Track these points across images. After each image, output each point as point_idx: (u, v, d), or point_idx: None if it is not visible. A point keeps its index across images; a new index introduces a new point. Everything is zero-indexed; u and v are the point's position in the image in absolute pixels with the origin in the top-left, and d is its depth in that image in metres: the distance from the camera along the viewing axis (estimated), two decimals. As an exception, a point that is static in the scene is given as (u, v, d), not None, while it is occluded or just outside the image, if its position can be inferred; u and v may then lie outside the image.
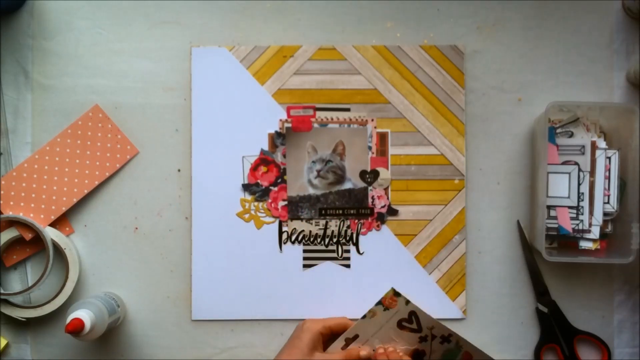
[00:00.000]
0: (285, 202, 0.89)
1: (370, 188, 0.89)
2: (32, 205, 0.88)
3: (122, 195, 0.89)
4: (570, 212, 0.86)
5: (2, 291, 0.87)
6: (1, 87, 0.89)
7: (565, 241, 0.87)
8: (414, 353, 0.83)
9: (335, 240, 0.89)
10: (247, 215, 0.89)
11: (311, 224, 0.89)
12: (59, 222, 0.89)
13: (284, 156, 0.89)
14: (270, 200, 0.89)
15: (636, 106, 0.84)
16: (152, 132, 0.90)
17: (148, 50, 0.90)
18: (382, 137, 0.89)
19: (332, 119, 0.89)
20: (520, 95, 0.90)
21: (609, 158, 0.85)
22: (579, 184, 0.85)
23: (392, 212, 0.89)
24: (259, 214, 0.89)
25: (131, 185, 0.89)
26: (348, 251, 0.89)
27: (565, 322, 0.88)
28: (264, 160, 0.89)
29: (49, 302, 0.87)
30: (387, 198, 0.89)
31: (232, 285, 0.89)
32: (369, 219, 0.89)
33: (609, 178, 0.86)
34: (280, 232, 0.89)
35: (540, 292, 0.88)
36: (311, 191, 0.89)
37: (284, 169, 0.89)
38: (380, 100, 0.89)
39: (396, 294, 0.80)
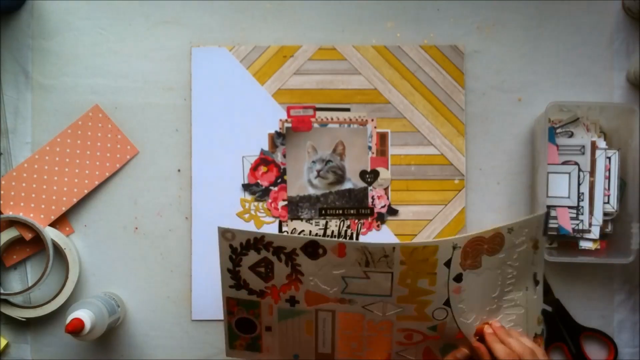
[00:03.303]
0: (285, 202, 0.89)
1: (370, 188, 0.89)
2: (32, 205, 0.88)
3: (122, 195, 0.89)
4: (570, 212, 0.86)
5: (2, 291, 0.87)
6: (1, 87, 0.89)
7: (565, 241, 0.87)
8: None
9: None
10: (247, 215, 0.89)
11: (311, 224, 0.89)
12: (59, 222, 0.89)
13: (284, 156, 0.89)
14: (270, 200, 0.89)
15: (636, 106, 0.84)
16: (152, 132, 0.90)
17: (148, 50, 0.90)
18: (382, 137, 0.89)
19: (332, 119, 0.89)
20: (520, 95, 0.90)
21: (609, 158, 0.85)
22: (579, 184, 0.85)
23: (392, 212, 0.89)
24: (259, 214, 0.89)
25: (131, 185, 0.89)
26: (348, 251, 0.89)
27: (571, 320, 0.88)
28: (264, 160, 0.89)
29: (49, 302, 0.87)
30: (387, 198, 0.89)
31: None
32: (369, 219, 0.89)
33: (609, 178, 0.86)
34: (281, 232, 0.89)
35: (544, 291, 0.88)
36: (311, 191, 0.89)
37: (284, 169, 0.89)
38: (380, 100, 0.89)
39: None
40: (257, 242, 0.74)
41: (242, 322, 0.79)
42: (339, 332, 0.79)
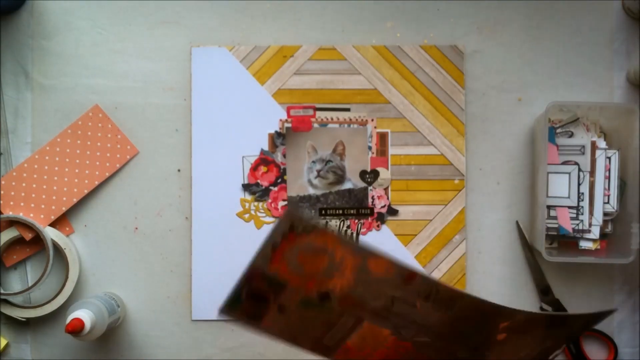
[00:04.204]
0: (285, 202, 0.89)
1: (370, 188, 0.89)
2: (32, 205, 0.88)
3: (122, 195, 0.89)
4: (570, 212, 0.86)
5: (2, 291, 0.87)
6: (1, 87, 0.89)
7: (565, 241, 0.87)
8: None
9: (335, 240, 0.89)
10: (247, 215, 0.89)
11: (311, 224, 0.89)
12: (59, 222, 0.89)
13: (284, 156, 0.89)
14: (270, 200, 0.89)
15: (636, 106, 0.84)
16: (152, 132, 0.90)
17: (148, 50, 0.90)
18: (382, 137, 0.89)
19: (332, 119, 0.89)
20: (520, 95, 0.90)
21: (609, 158, 0.85)
22: (579, 184, 0.85)
23: (392, 212, 0.89)
24: (259, 214, 0.89)
25: (131, 185, 0.89)
26: (348, 251, 0.89)
27: (571, 320, 0.88)
28: (264, 160, 0.89)
29: (49, 302, 0.87)
30: (387, 198, 0.89)
31: (232, 285, 0.88)
32: (369, 219, 0.89)
33: (609, 178, 0.86)
34: (280, 232, 0.89)
35: (543, 291, 0.88)
36: (311, 191, 0.89)
37: (284, 169, 0.89)
38: (380, 100, 0.89)
39: None
40: (327, 238, 0.65)
41: (255, 293, 0.68)
42: (355, 336, 0.72)
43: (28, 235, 0.87)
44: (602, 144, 0.86)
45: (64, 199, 0.88)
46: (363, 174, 0.89)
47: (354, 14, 0.90)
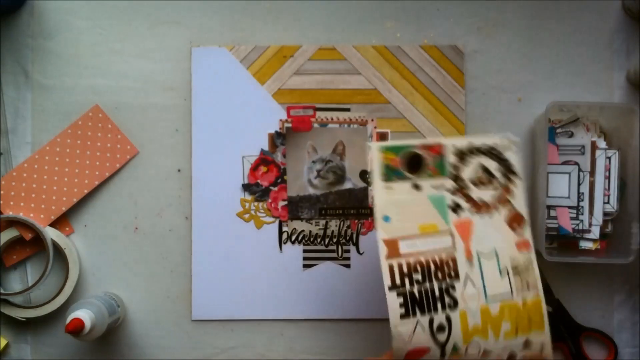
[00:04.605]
0: (285, 202, 0.89)
1: (370, 188, 0.89)
2: (32, 205, 0.88)
3: (122, 195, 0.89)
4: (570, 212, 0.86)
5: (2, 291, 0.87)
6: (1, 87, 0.89)
7: (565, 241, 0.87)
8: None
9: (335, 240, 0.89)
10: (247, 215, 0.89)
11: (311, 224, 0.89)
12: (59, 222, 0.89)
13: (284, 156, 0.89)
14: (270, 200, 0.89)
15: (636, 106, 0.84)
16: (152, 132, 0.90)
17: (148, 50, 0.90)
18: (382, 137, 0.89)
19: (332, 119, 0.89)
20: (520, 95, 0.90)
21: (609, 158, 0.85)
22: (579, 184, 0.86)
23: (392, 212, 0.89)
24: (259, 214, 0.89)
25: (131, 185, 0.89)
26: (348, 251, 0.89)
27: (571, 320, 0.88)
28: (264, 160, 0.89)
29: (49, 302, 0.87)
30: (387, 198, 0.89)
31: (232, 285, 0.89)
32: (369, 219, 0.89)
33: (609, 178, 0.86)
34: (280, 232, 0.89)
35: (544, 290, 0.88)
36: (311, 191, 0.89)
37: (284, 169, 0.89)
38: (380, 100, 0.89)
39: None
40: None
41: (415, 159, 0.75)
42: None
43: (28, 235, 0.87)
44: (602, 144, 0.86)
45: (64, 199, 0.88)
46: (363, 174, 0.89)
47: (354, 14, 0.90)
